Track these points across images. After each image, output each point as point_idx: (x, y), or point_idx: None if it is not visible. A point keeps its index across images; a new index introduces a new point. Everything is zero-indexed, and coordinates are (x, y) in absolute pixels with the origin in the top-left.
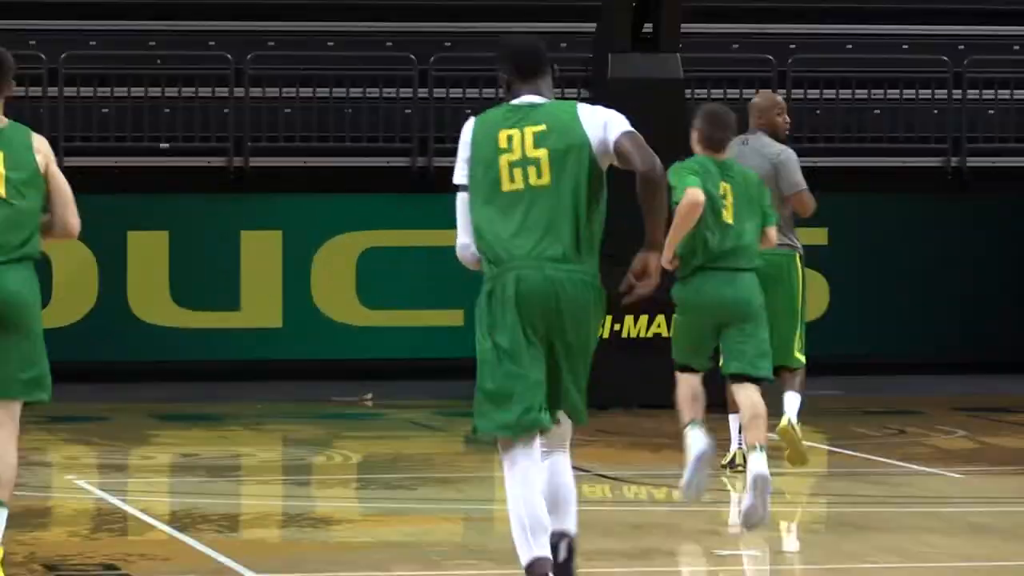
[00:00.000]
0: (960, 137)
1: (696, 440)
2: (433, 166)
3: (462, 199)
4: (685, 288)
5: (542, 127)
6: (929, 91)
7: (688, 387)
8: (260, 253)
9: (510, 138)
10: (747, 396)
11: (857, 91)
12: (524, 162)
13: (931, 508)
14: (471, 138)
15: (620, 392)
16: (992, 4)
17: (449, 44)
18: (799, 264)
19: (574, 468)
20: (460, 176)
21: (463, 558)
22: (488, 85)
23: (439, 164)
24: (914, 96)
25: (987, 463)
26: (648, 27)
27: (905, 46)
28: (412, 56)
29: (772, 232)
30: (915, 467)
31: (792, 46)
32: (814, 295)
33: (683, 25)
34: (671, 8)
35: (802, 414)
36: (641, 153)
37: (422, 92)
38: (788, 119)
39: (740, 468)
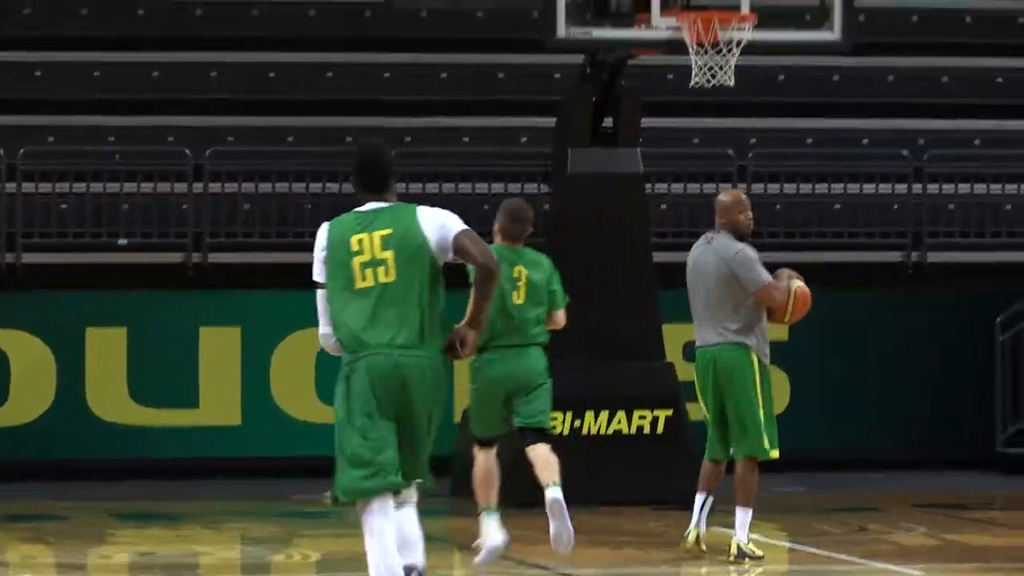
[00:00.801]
0: (920, 231)
1: (489, 530)
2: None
3: (321, 295)
4: (478, 363)
5: (388, 231)
6: (889, 185)
7: (482, 467)
8: (219, 349)
9: (360, 241)
10: (537, 453)
11: (817, 185)
12: (374, 263)
13: None
14: (327, 242)
15: (580, 489)
16: (952, 99)
17: (409, 140)
18: (753, 359)
19: (535, 565)
20: (318, 274)
21: None
22: (448, 179)
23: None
24: (874, 191)
25: (948, 560)
26: (608, 122)
27: (865, 140)
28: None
29: (559, 315)
30: (877, 564)
31: (752, 140)
32: (775, 391)
33: (643, 119)
34: (631, 103)
35: (765, 511)
36: (478, 248)
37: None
38: (751, 216)
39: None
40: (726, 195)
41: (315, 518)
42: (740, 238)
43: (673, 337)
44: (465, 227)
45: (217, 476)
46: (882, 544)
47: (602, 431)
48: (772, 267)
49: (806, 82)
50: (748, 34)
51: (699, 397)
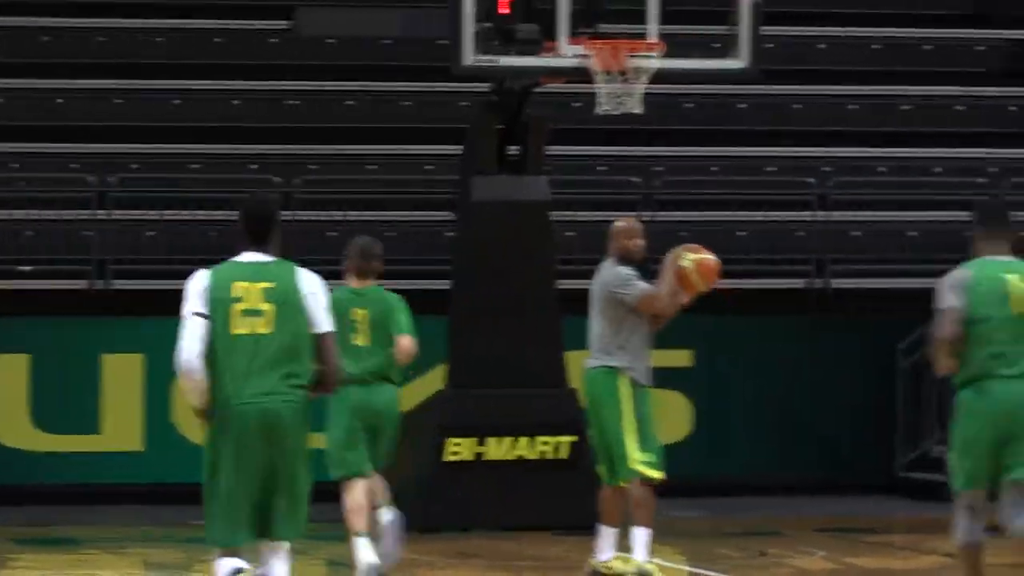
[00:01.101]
0: (824, 258)
1: (360, 551)
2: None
3: (198, 323)
4: (336, 397)
5: (271, 284)
6: (794, 212)
7: (353, 501)
8: (121, 376)
9: (243, 289)
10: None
11: (723, 213)
12: (253, 312)
13: None
14: (209, 284)
15: (483, 514)
16: (857, 126)
17: (315, 167)
18: (620, 381)
19: None
20: (195, 307)
21: None
22: (353, 207)
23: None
24: (779, 218)
25: None
26: (515, 149)
27: (770, 168)
28: (276, 179)
29: (403, 341)
30: None
31: (658, 168)
32: (678, 416)
33: (549, 147)
34: (537, 130)
35: (665, 535)
36: (335, 357)
37: (286, 215)
38: (641, 243)
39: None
40: (617, 222)
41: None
42: (631, 264)
43: (577, 364)
44: (331, 328)
45: (119, 502)
46: (782, 568)
47: (505, 457)
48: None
49: (713, 109)
50: (655, 62)
51: None
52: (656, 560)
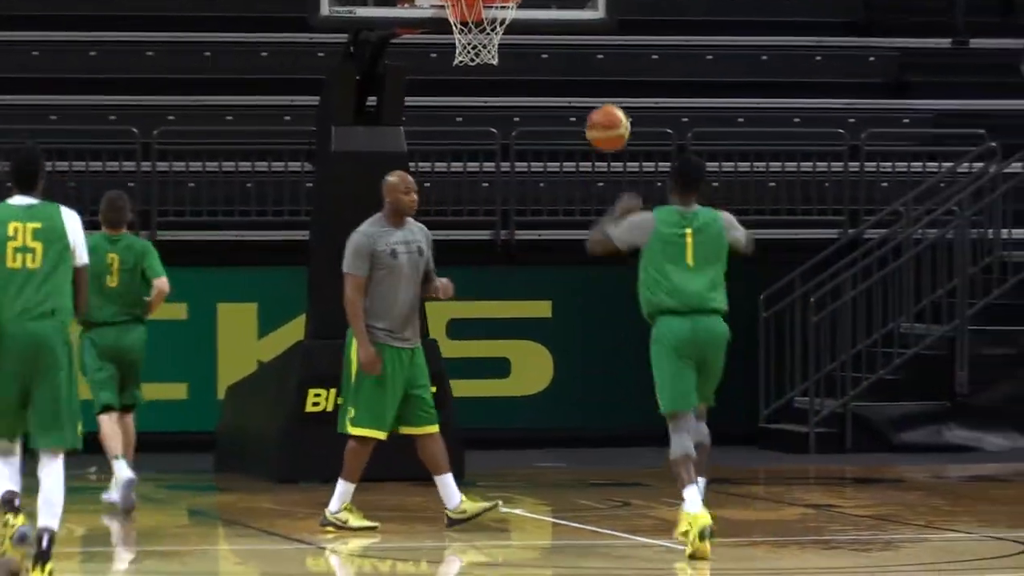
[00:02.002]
0: None
1: (119, 470)
2: (157, 240)
3: None
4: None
5: (39, 224)
6: (652, 163)
7: (109, 427)
8: None
9: (16, 229)
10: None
11: (580, 164)
12: (24, 249)
13: None
14: None
15: (342, 465)
16: (716, 77)
17: (172, 118)
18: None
19: (298, 540)
20: None
21: None
22: (212, 158)
23: (163, 238)
24: (637, 168)
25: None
26: (372, 100)
27: (630, 119)
28: (135, 130)
29: (159, 282)
30: (640, 539)
31: (516, 119)
32: (539, 368)
33: (407, 98)
34: (394, 82)
35: (529, 486)
36: (84, 288)
37: (146, 165)
38: (415, 197)
39: None
40: (390, 176)
41: (80, 493)
42: (403, 217)
43: (437, 314)
44: (86, 263)
45: None
46: (645, 519)
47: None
48: (532, 245)
49: (570, 60)
50: (512, 13)
51: None
52: (519, 511)
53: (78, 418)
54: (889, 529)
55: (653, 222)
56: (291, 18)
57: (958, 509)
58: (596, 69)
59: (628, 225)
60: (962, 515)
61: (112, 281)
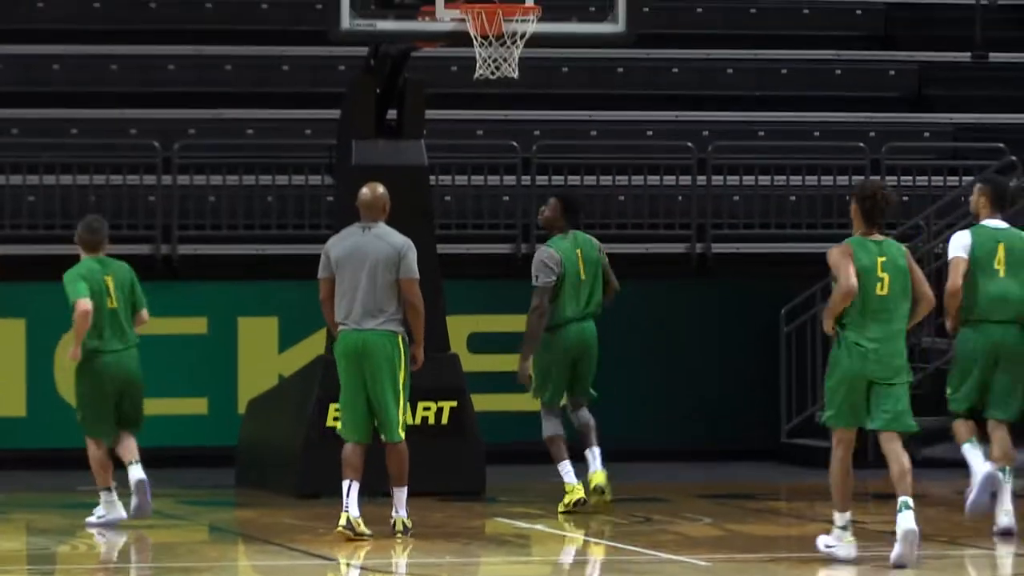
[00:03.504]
0: (705, 223)
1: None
2: (178, 254)
3: None
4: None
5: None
6: (674, 177)
7: (96, 455)
8: (2, 341)
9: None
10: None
11: (602, 177)
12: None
13: None
14: None
15: (366, 480)
16: (736, 90)
17: (192, 131)
18: (400, 345)
19: (319, 556)
20: None
21: None
22: (232, 172)
23: (184, 252)
24: (659, 182)
25: (733, 550)
26: (392, 114)
27: (650, 132)
28: (156, 143)
29: (142, 314)
30: (662, 555)
31: (536, 132)
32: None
33: (427, 111)
34: (415, 95)
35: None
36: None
37: (166, 179)
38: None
39: None
40: (370, 190)
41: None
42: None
43: (457, 328)
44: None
45: (2, 467)
46: (667, 535)
47: None
48: None
49: (590, 74)
50: (532, 26)
51: None
52: (539, 526)
53: None
54: None
55: None
56: (312, 32)
57: (981, 525)
58: (616, 83)
59: None
60: (985, 531)
61: (111, 303)
